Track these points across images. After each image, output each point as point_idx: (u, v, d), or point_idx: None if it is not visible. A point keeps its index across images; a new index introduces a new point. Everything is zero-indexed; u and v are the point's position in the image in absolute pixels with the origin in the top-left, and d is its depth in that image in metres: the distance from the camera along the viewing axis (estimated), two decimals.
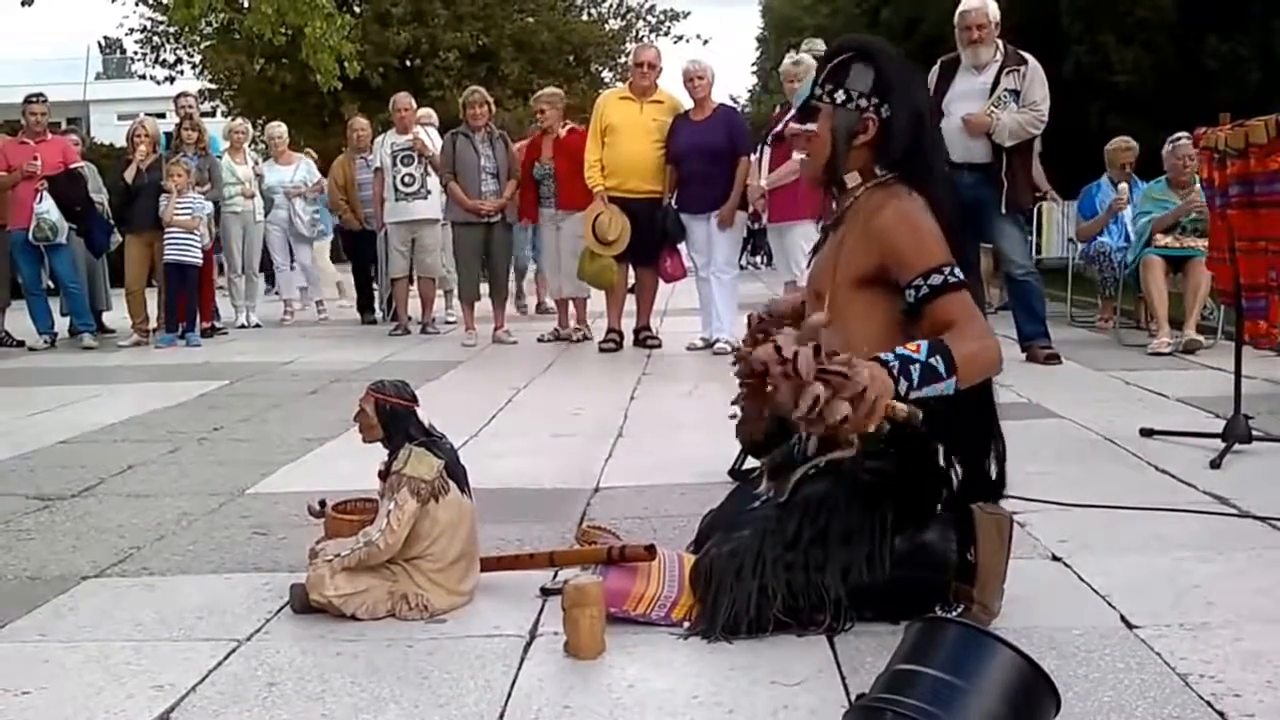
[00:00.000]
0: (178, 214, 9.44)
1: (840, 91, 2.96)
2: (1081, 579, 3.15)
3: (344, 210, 11.33)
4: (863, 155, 2.97)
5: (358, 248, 11.65)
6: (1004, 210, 7.24)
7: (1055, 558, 3.35)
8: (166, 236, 9.49)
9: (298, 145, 14.96)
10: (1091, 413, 5.49)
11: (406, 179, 9.83)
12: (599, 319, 9.68)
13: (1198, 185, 7.58)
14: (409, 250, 10.11)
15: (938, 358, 2.67)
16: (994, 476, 2.96)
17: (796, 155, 7.26)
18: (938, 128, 3.13)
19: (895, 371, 2.64)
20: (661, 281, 9.05)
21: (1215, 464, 4.37)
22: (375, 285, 11.60)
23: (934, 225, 2.85)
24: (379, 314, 11.45)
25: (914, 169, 2.93)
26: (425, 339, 9.88)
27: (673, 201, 8.53)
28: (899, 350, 2.69)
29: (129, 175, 9.72)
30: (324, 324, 11.52)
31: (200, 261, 9.69)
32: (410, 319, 10.44)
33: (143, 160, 9.70)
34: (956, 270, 2.81)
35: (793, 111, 7.28)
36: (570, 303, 9.67)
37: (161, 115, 12.67)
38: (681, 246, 8.75)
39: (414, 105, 10.32)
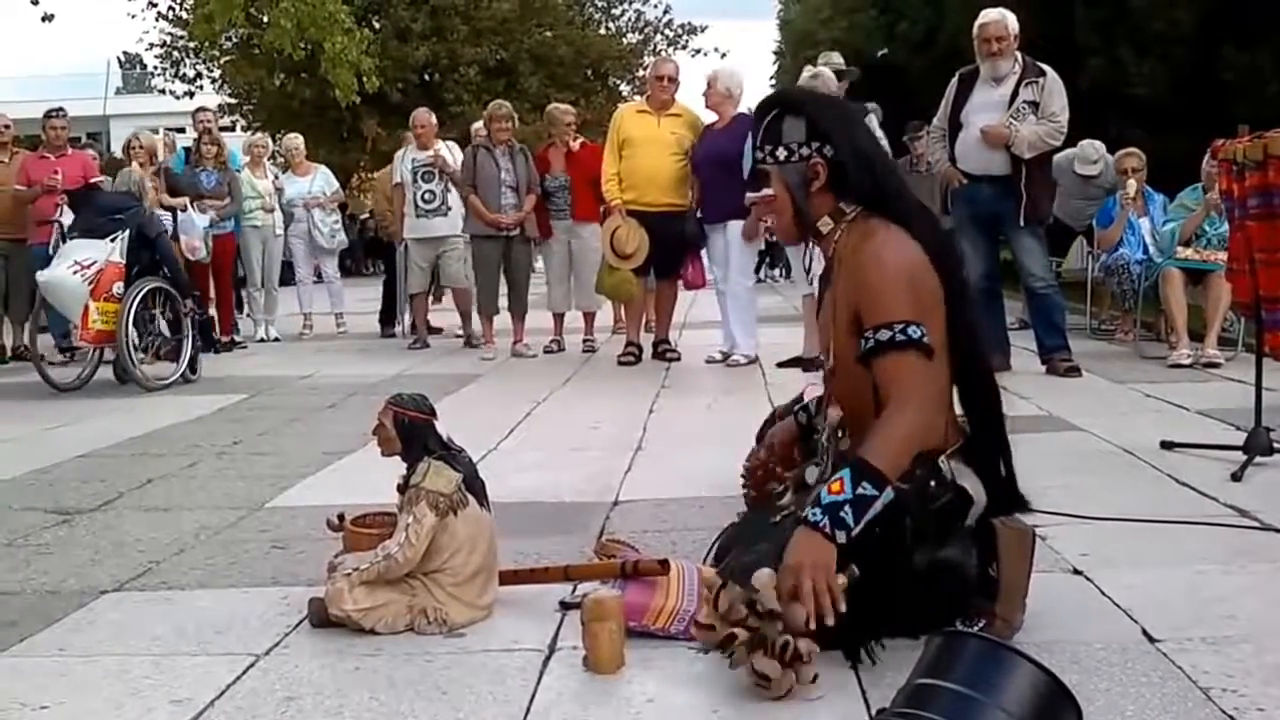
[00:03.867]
0: None
1: (780, 149, 2.97)
2: (1103, 592, 3.14)
3: (389, 221, 11.21)
4: (824, 199, 2.96)
5: (392, 259, 11.62)
6: (1023, 223, 7.23)
7: (1076, 571, 3.33)
8: None
9: (317, 158, 14.94)
10: (1111, 425, 5.47)
11: (427, 195, 9.82)
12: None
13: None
14: (430, 266, 10.10)
15: (865, 484, 2.63)
16: (1002, 488, 2.94)
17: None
18: (884, 151, 3.13)
19: (828, 529, 2.60)
20: (683, 289, 9.07)
21: (1236, 477, 4.34)
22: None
23: (907, 267, 2.80)
24: (398, 328, 11.41)
25: (877, 197, 2.93)
26: (443, 352, 9.87)
27: (698, 211, 8.54)
28: (824, 498, 2.64)
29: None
30: (342, 337, 11.54)
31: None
32: (434, 331, 10.44)
33: (141, 176, 9.68)
34: (910, 329, 2.75)
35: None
36: (563, 316, 9.77)
37: (181, 130, 12.78)
38: (705, 256, 8.76)
39: (433, 121, 10.29)
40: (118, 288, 7.68)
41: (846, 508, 2.62)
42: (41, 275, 7.74)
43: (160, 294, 8.07)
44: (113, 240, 7.77)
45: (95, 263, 7.62)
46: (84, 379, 8.02)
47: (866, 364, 2.81)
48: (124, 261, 7.81)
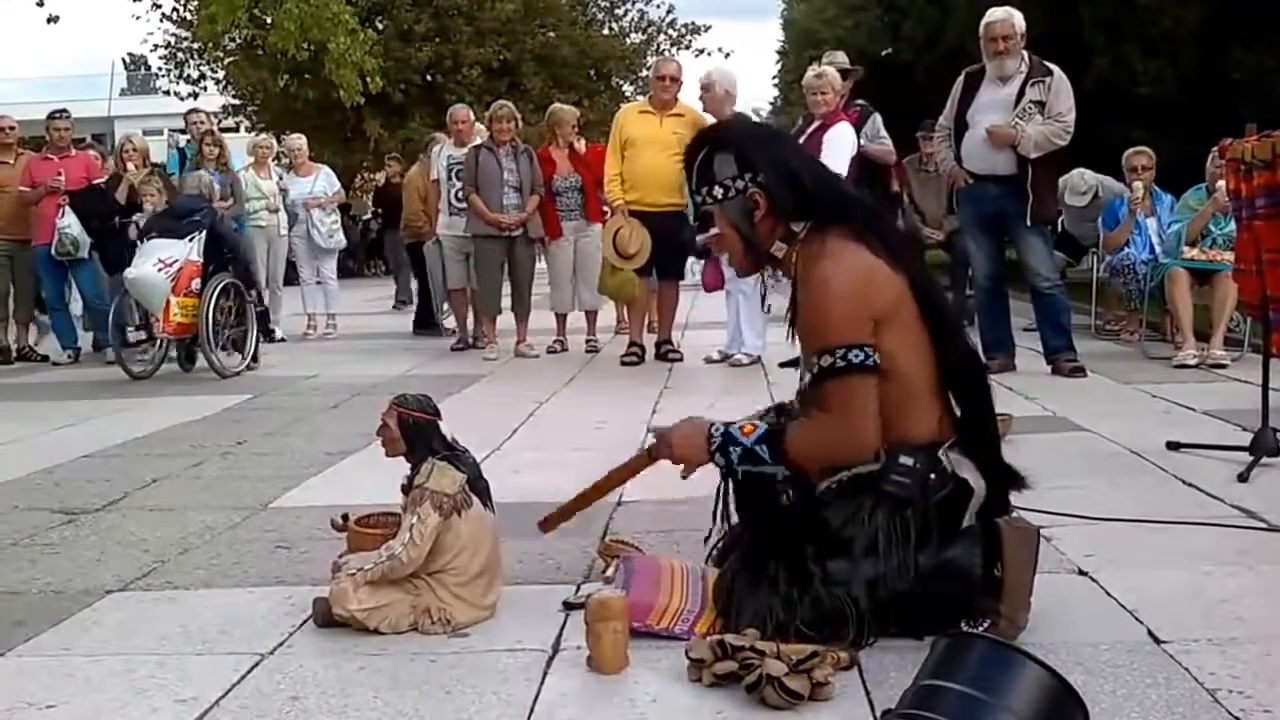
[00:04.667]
0: None
1: (716, 188, 3.00)
2: (1108, 593, 3.13)
3: (421, 221, 11.08)
4: (771, 225, 2.98)
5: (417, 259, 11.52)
6: (1029, 223, 7.20)
7: (1082, 572, 3.33)
8: None
9: (321, 159, 14.89)
10: (1117, 426, 5.46)
11: (461, 194, 9.64)
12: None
13: (1222, 184, 7.56)
14: (465, 261, 9.84)
15: (763, 446, 2.93)
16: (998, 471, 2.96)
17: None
18: (816, 163, 3.15)
19: (713, 446, 2.98)
20: (704, 290, 9.07)
21: (1243, 477, 4.33)
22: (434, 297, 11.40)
23: (852, 285, 2.81)
24: (443, 326, 11.15)
25: (819, 211, 2.95)
26: (447, 353, 9.83)
27: None
28: (731, 429, 2.98)
29: (121, 194, 9.70)
30: (345, 338, 11.51)
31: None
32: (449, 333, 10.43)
33: (134, 178, 9.69)
34: (851, 354, 2.78)
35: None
36: (566, 316, 9.76)
37: (184, 131, 12.74)
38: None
39: (472, 117, 10.17)
40: (195, 284, 8.38)
41: (737, 448, 2.95)
42: (129, 272, 8.32)
43: (230, 289, 8.77)
44: (190, 240, 8.44)
45: (176, 261, 8.30)
46: (152, 369, 8.58)
47: (817, 386, 2.87)
48: (201, 260, 8.47)
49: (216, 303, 8.50)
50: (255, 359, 9.02)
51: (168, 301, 8.20)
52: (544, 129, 10.52)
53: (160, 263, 8.23)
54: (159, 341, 8.55)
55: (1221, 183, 7.58)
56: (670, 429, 3.11)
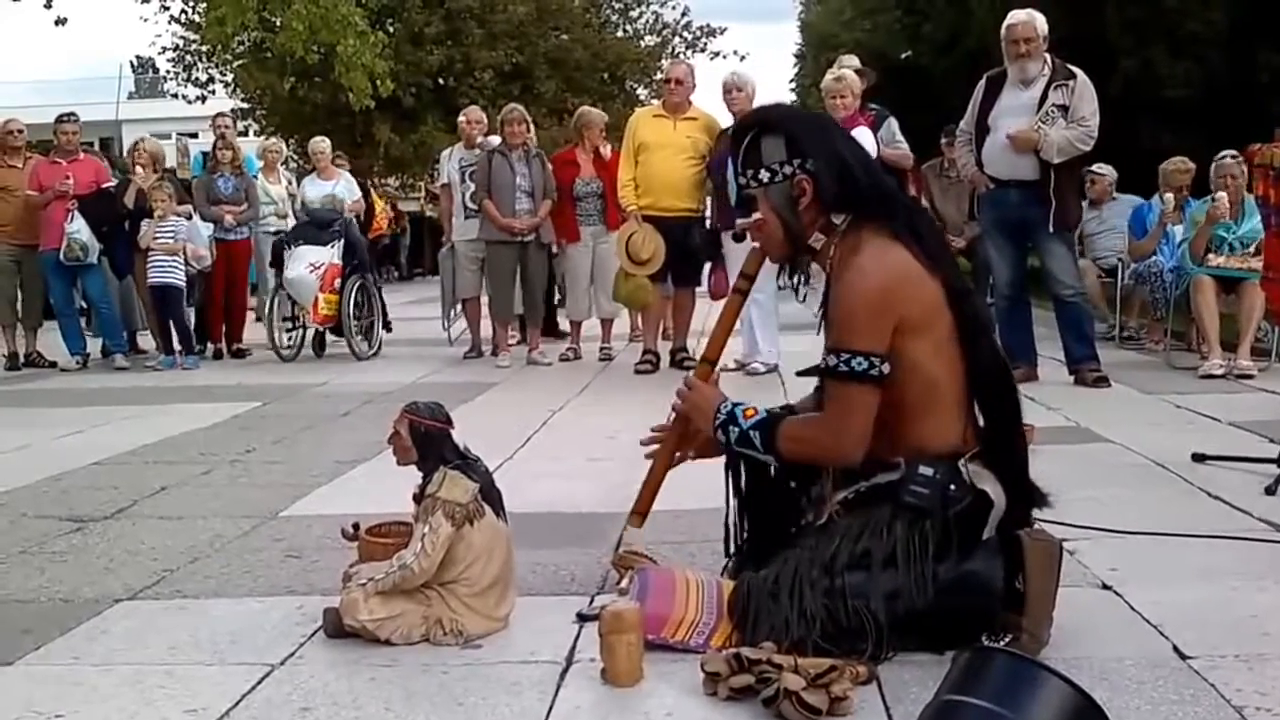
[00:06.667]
0: (159, 238, 9.40)
1: (763, 171, 2.97)
2: (1132, 608, 3.09)
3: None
4: (812, 215, 2.95)
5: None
6: (1052, 229, 7.12)
7: (1105, 586, 3.28)
8: (150, 260, 9.43)
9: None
10: (1141, 437, 5.39)
11: (476, 196, 9.59)
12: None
13: (1222, 195, 7.51)
14: (479, 269, 9.80)
15: (756, 433, 3.00)
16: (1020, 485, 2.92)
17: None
18: (866, 156, 3.10)
19: (719, 422, 3.07)
20: (710, 298, 9.02)
21: (1270, 490, 4.27)
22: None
23: (882, 288, 2.78)
24: (447, 333, 11.03)
25: (864, 204, 2.91)
26: (459, 360, 9.80)
27: (716, 219, 8.47)
28: (737, 407, 3.07)
29: (129, 198, 9.68)
30: None
31: (183, 283, 9.56)
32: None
33: (143, 181, 9.68)
34: (857, 360, 2.77)
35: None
36: (580, 324, 9.71)
37: (193, 135, 12.76)
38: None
39: (484, 118, 10.17)
40: (337, 282, 9.77)
41: (735, 430, 3.03)
42: (287, 273, 9.71)
43: (364, 287, 10.25)
44: (332, 247, 9.86)
45: (323, 264, 9.70)
46: (295, 352, 10.09)
47: (823, 383, 2.89)
48: (341, 262, 9.85)
49: (354, 298, 9.91)
50: (380, 347, 10.24)
51: (316, 297, 9.56)
52: (565, 133, 10.49)
53: (310, 265, 9.61)
54: (303, 330, 10.19)
55: (1222, 194, 7.55)
56: (681, 394, 3.21)
